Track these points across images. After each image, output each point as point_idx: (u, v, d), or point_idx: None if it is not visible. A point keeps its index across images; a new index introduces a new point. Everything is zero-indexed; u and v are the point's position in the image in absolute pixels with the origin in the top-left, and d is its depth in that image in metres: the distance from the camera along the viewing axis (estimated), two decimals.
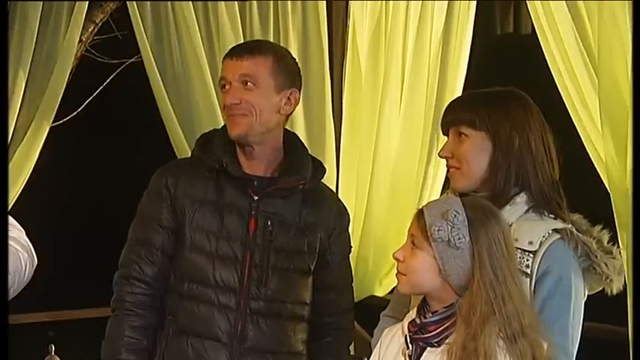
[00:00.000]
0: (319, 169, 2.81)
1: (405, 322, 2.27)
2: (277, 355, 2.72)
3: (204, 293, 2.67)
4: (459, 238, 2.17)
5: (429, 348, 2.21)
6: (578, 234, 2.39)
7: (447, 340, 2.18)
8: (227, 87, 2.69)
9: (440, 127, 2.57)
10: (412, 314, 2.27)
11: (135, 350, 2.67)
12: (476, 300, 2.14)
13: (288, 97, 2.72)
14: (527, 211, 2.43)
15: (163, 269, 2.71)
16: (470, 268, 2.17)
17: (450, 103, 2.61)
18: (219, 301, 2.66)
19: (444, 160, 2.53)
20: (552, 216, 2.42)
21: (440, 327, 2.20)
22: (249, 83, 2.67)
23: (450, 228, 2.18)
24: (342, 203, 2.91)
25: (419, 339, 2.22)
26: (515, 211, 2.41)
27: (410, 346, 2.23)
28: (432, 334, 2.20)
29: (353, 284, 2.91)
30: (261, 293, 2.68)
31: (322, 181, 2.84)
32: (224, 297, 2.67)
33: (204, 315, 2.67)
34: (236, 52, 2.73)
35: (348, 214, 2.90)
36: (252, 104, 2.67)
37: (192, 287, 2.68)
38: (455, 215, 2.18)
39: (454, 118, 2.49)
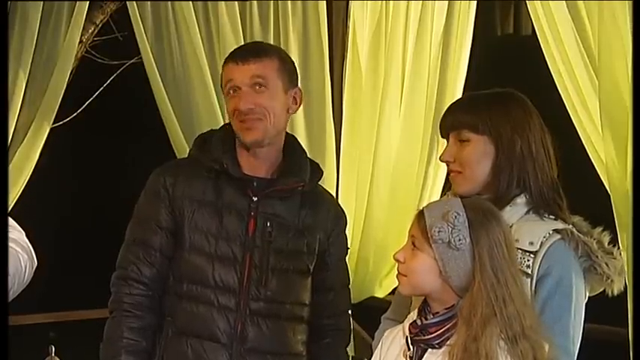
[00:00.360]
0: (317, 171, 2.81)
1: (406, 324, 2.27)
2: (277, 356, 2.72)
3: (203, 294, 2.66)
4: (460, 240, 2.17)
5: (430, 349, 2.20)
6: (579, 234, 2.39)
7: (448, 342, 2.18)
8: (236, 92, 2.67)
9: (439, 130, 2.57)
10: (413, 315, 2.27)
11: (134, 352, 2.66)
12: (477, 301, 2.14)
13: (294, 97, 2.72)
14: (527, 212, 2.43)
15: (161, 270, 2.71)
16: (470, 269, 2.17)
17: (450, 106, 2.59)
18: (219, 301, 2.66)
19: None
20: (552, 217, 2.42)
21: (441, 328, 2.19)
22: (261, 86, 2.66)
23: (450, 229, 2.17)
24: (340, 206, 2.92)
25: (420, 340, 2.22)
26: (515, 212, 2.41)
27: (411, 347, 2.22)
28: (433, 335, 2.20)
29: (350, 285, 2.92)
30: (260, 294, 2.68)
31: (322, 181, 2.84)
32: (223, 298, 2.66)
33: (204, 316, 2.66)
34: (241, 56, 2.71)
35: (346, 216, 2.90)
36: (265, 107, 2.65)
37: (191, 288, 2.67)
38: (455, 216, 2.18)
39: (454, 121, 2.48)
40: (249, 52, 2.74)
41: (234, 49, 2.84)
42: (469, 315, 2.15)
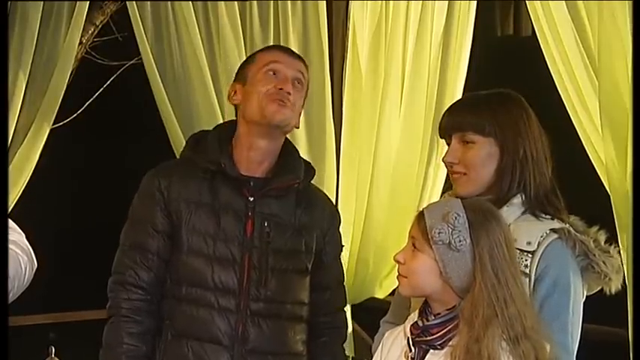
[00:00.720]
0: (310, 169, 2.83)
1: (407, 325, 2.27)
2: (278, 356, 2.72)
3: (203, 296, 2.66)
4: (460, 241, 2.17)
5: (431, 350, 2.20)
6: (576, 233, 2.39)
7: (449, 343, 2.18)
8: (276, 74, 2.70)
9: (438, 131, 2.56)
10: (414, 317, 2.27)
11: (134, 357, 2.66)
12: (478, 302, 2.14)
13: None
14: (524, 212, 2.42)
15: (159, 274, 2.70)
16: (471, 270, 2.17)
17: (450, 107, 2.58)
18: (219, 303, 2.66)
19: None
20: (549, 217, 2.42)
21: (442, 329, 2.19)
22: (300, 83, 2.72)
23: (450, 230, 2.17)
24: (334, 204, 2.94)
25: (421, 341, 2.22)
26: (512, 212, 2.41)
27: (412, 348, 2.22)
28: (434, 336, 2.20)
29: (347, 285, 2.92)
30: (261, 294, 2.68)
31: (322, 182, 2.86)
32: (224, 299, 2.66)
33: (204, 318, 2.66)
34: (290, 52, 2.81)
35: (340, 214, 2.92)
36: (296, 99, 2.71)
37: (190, 291, 2.67)
38: (455, 217, 2.18)
39: (457, 123, 2.47)
40: (294, 52, 2.83)
41: (277, 45, 2.88)
42: (470, 316, 2.15)
